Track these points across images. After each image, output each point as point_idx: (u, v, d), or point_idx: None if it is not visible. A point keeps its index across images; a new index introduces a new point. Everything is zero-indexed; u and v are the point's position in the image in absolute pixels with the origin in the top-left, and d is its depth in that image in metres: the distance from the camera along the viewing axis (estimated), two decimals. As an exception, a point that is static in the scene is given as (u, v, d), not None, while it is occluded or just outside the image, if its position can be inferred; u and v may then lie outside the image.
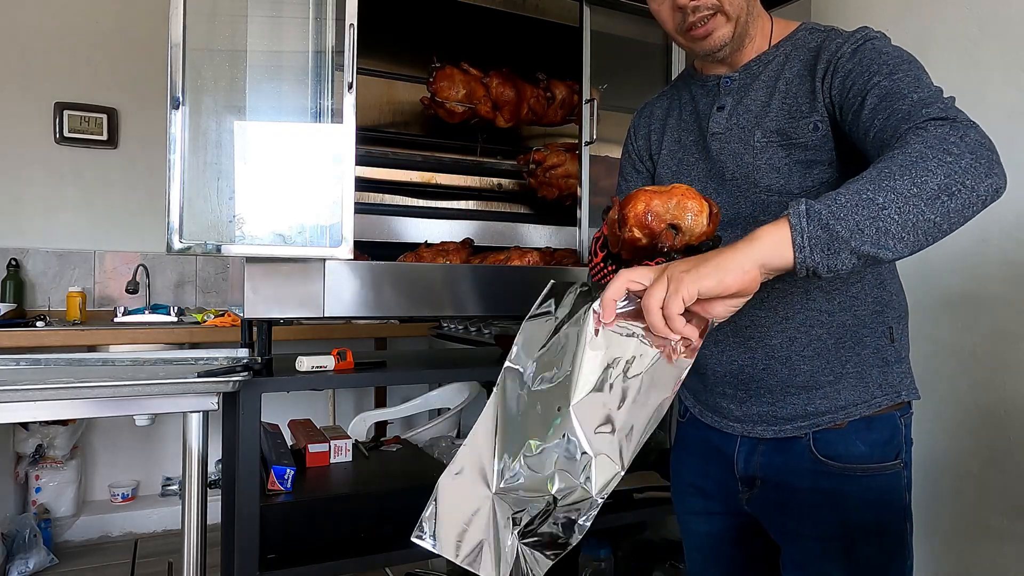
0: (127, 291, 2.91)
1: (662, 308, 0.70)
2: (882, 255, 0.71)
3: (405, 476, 1.57)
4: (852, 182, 0.73)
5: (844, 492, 0.94)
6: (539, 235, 2.13)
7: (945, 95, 0.82)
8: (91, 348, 2.44)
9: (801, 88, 0.94)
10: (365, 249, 1.57)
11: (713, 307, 0.72)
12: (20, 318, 2.61)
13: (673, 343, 0.72)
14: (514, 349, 0.80)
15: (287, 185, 1.35)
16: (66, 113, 2.92)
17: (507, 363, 0.80)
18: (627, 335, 0.74)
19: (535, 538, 0.70)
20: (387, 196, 2.11)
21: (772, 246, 0.70)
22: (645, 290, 0.72)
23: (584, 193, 1.76)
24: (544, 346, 0.79)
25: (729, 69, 1.02)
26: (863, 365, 0.96)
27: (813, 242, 0.69)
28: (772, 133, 0.95)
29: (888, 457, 0.95)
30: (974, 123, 0.76)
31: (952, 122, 0.76)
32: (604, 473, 0.70)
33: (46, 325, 2.54)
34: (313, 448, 1.63)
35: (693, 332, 0.72)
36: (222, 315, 2.72)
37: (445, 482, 0.75)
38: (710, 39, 0.95)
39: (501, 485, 0.73)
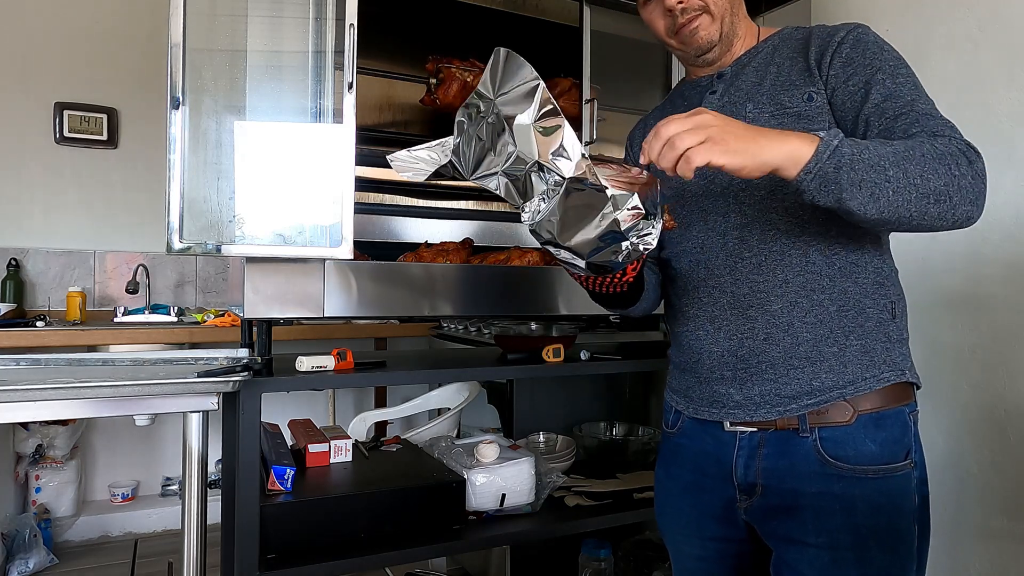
0: (127, 291, 2.91)
1: (671, 138, 0.77)
2: (856, 212, 0.80)
3: (405, 476, 1.57)
4: (882, 144, 0.81)
5: (854, 496, 0.92)
6: (539, 235, 2.12)
7: (940, 99, 0.92)
8: (91, 348, 2.44)
9: (793, 68, 0.98)
10: (365, 249, 1.57)
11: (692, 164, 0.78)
12: (20, 318, 2.61)
13: (635, 176, 0.81)
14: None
15: (287, 185, 1.35)
16: (66, 113, 2.92)
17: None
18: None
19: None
20: (387, 196, 2.11)
21: (792, 157, 0.79)
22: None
23: (584, 193, 1.76)
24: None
25: (719, 69, 1.07)
26: (867, 338, 0.95)
27: (819, 172, 0.79)
28: (764, 104, 0.98)
29: (898, 457, 0.94)
30: (980, 153, 0.85)
31: (968, 147, 0.84)
32: None
33: (46, 325, 2.54)
34: (313, 448, 1.63)
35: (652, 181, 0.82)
36: (222, 315, 2.72)
37: None
38: (697, 37, 1.01)
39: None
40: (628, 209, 0.78)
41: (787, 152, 0.78)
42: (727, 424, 1.01)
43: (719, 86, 1.04)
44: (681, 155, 0.76)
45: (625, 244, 0.80)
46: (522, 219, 0.84)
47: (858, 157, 0.79)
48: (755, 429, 0.98)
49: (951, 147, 0.83)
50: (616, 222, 0.78)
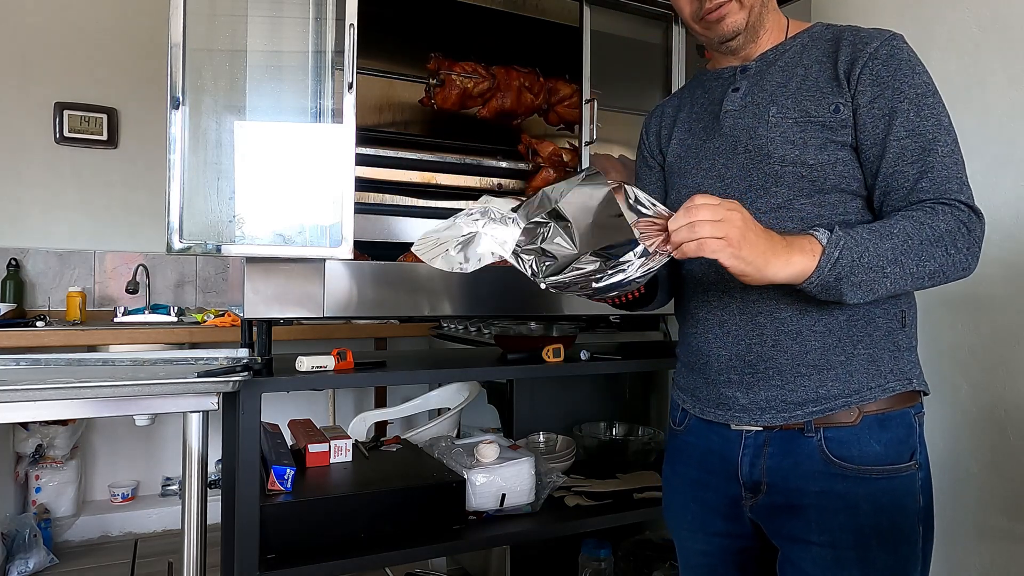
0: (127, 291, 2.91)
1: (696, 222, 0.79)
2: (853, 303, 0.87)
3: (405, 476, 1.57)
4: (882, 237, 0.85)
5: (857, 496, 0.92)
6: (539, 235, 2.12)
7: (948, 102, 0.93)
8: (91, 348, 2.44)
9: (821, 73, 0.96)
10: (365, 249, 1.57)
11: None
12: (20, 318, 2.61)
13: (649, 237, 0.82)
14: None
15: (287, 185, 1.35)
16: (66, 113, 2.92)
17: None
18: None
19: None
20: (387, 196, 2.11)
21: (795, 276, 0.84)
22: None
23: (584, 193, 1.76)
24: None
25: (743, 61, 1.05)
26: (875, 347, 0.95)
27: (821, 282, 0.84)
28: (788, 109, 0.96)
29: (903, 458, 0.94)
30: (981, 214, 0.89)
31: (970, 213, 0.88)
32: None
33: (46, 325, 2.54)
34: (313, 448, 1.63)
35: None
36: (222, 315, 2.72)
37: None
38: (724, 24, 0.99)
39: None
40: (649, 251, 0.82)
41: (790, 274, 0.83)
42: (733, 424, 1.01)
43: (742, 83, 1.03)
44: (696, 240, 0.79)
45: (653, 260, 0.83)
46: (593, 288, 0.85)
47: (858, 262, 0.83)
48: (760, 428, 0.98)
49: (951, 221, 0.86)
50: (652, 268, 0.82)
